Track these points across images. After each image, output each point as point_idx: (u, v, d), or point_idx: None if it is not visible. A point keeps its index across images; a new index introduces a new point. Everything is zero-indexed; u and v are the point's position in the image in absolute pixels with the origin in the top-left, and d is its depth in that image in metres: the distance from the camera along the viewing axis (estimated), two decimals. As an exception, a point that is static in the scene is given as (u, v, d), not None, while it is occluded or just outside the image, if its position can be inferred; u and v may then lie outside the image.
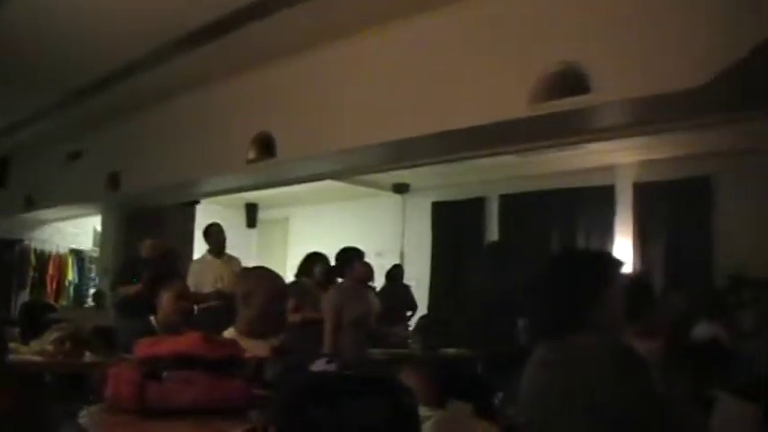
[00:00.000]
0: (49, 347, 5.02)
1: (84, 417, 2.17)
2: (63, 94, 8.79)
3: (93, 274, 13.62)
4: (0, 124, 10.61)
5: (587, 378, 2.25)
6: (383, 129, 6.40)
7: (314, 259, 7.93)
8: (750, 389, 3.86)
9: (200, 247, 9.54)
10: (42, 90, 8.70)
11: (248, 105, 7.71)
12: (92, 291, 12.70)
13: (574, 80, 4.97)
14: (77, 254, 13.92)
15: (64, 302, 13.29)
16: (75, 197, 10.87)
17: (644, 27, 4.76)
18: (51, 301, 12.60)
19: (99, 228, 12.22)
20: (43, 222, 13.35)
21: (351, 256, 6.95)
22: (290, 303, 6.43)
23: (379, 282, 9.19)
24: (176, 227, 10.42)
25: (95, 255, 13.21)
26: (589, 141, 7.45)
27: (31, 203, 11.66)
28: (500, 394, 5.18)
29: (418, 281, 11.63)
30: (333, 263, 7.37)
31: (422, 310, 10.62)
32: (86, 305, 12.70)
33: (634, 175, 10.07)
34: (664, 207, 9.85)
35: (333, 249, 7.57)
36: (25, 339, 5.48)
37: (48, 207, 11.78)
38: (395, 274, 10.53)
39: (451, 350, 7.70)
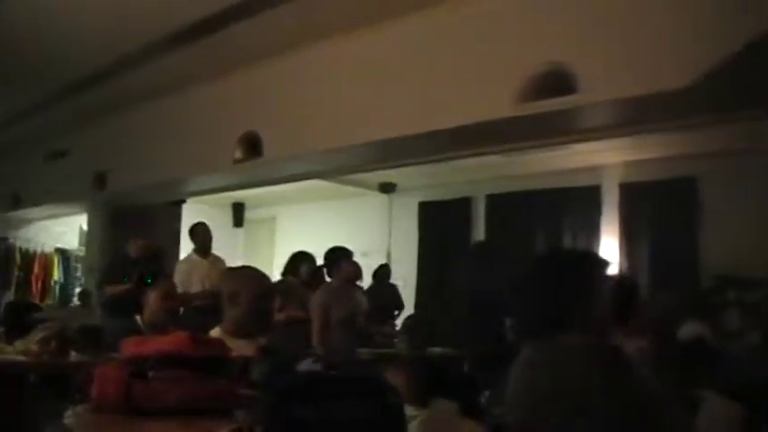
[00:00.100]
0: (35, 347, 4.99)
1: (70, 417, 2.17)
2: (49, 93, 8.75)
3: (78, 274, 13.56)
4: (-14, 122, 10.57)
5: (573, 378, 2.26)
6: (370, 128, 6.40)
7: (300, 258, 7.94)
8: (736, 389, 3.88)
9: (186, 247, 9.52)
10: (28, 88, 8.67)
11: (235, 105, 7.70)
12: (77, 290, 12.65)
13: (560, 80, 4.98)
14: (63, 253, 13.87)
15: (49, 302, 13.23)
16: (62, 196, 10.83)
17: (630, 28, 4.78)
18: (36, 301, 12.52)
19: (85, 226, 12.17)
20: (29, 221, 13.29)
21: (339, 255, 6.95)
22: (276, 302, 6.43)
23: (365, 281, 9.19)
24: (162, 226, 10.38)
25: (81, 254, 13.15)
26: (575, 142, 7.48)
27: (17, 202, 11.61)
28: (486, 393, 5.20)
29: (405, 280, 11.63)
30: (321, 262, 7.37)
31: (408, 309, 10.62)
32: (72, 304, 12.65)
33: (620, 176, 10.10)
34: (650, 207, 9.88)
35: (320, 249, 7.57)
36: (10, 339, 5.45)
37: (34, 205, 11.73)
38: (382, 273, 10.54)
39: (438, 349, 7.71)
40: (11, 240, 13.39)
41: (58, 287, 13.74)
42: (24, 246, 13.53)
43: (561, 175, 10.40)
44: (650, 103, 4.96)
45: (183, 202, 10.85)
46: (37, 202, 11.45)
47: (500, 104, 5.36)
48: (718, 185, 9.16)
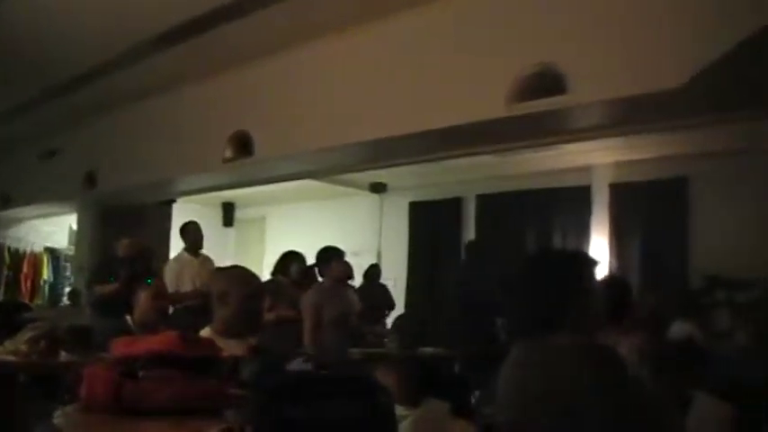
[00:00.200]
0: (24, 347, 4.98)
1: (60, 417, 2.16)
2: (39, 92, 8.72)
3: (68, 273, 13.52)
4: (-25, 122, 10.54)
5: (564, 378, 2.26)
6: (360, 128, 6.41)
7: (290, 258, 7.93)
8: (726, 389, 3.89)
9: (176, 246, 9.50)
10: (18, 88, 8.64)
11: (225, 104, 7.69)
12: (67, 289, 12.61)
13: (551, 81, 4.99)
14: (53, 252, 13.83)
15: (39, 302, 13.20)
16: (51, 195, 10.81)
17: (621, 29, 4.79)
18: (26, 301, 12.51)
19: (75, 226, 12.14)
20: (19, 220, 13.25)
21: (330, 255, 6.94)
22: (266, 302, 6.42)
23: (356, 281, 9.19)
24: (153, 225, 10.37)
25: (71, 253, 13.12)
26: (566, 142, 7.49)
27: (6, 201, 11.58)
28: (477, 393, 5.21)
29: (395, 280, 11.63)
30: (312, 262, 7.36)
31: (398, 309, 10.62)
32: (61, 304, 12.62)
33: (610, 176, 10.12)
34: (640, 208, 9.91)
35: (310, 248, 7.56)
36: (-1, 339, 5.44)
37: (23, 205, 11.70)
38: (372, 273, 10.54)
39: (429, 349, 7.72)
40: (0, 240, 13.34)
41: (47, 287, 13.70)
42: (14, 245, 13.49)
43: (552, 176, 10.41)
44: (640, 104, 4.97)
45: (174, 201, 10.83)
46: (26, 201, 11.43)
47: (491, 105, 5.36)
48: (708, 186, 9.20)
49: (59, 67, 7.81)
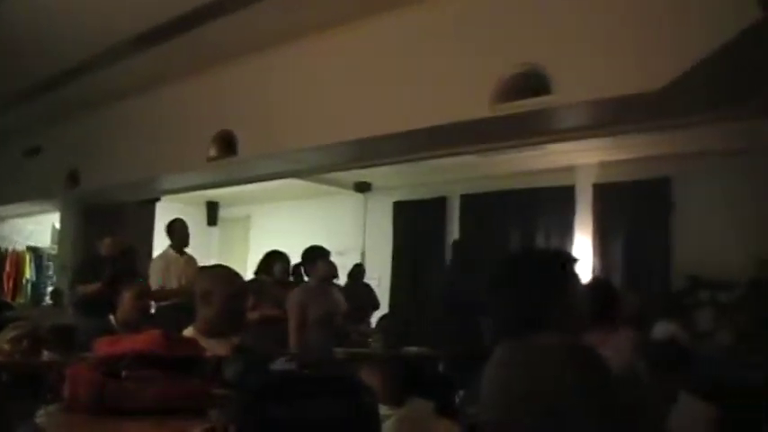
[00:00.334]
0: (6, 346, 4.96)
1: (42, 417, 2.15)
2: (22, 90, 8.68)
3: (51, 272, 13.46)
4: (-43, 120, 10.48)
5: (547, 378, 2.26)
6: (345, 127, 6.41)
7: (273, 257, 7.94)
8: (709, 389, 3.92)
9: (159, 245, 9.48)
10: (0, 85, 8.59)
11: (209, 103, 7.68)
12: (50, 289, 12.56)
13: (535, 81, 5.01)
14: (35, 251, 13.76)
15: (21, 301, 13.14)
16: (34, 194, 10.75)
17: (604, 30, 4.81)
18: (8, 300, 12.45)
19: (57, 225, 12.08)
20: (0, 219, 13.18)
21: (316, 254, 6.94)
22: (249, 301, 6.42)
23: (340, 281, 9.18)
24: (136, 224, 10.33)
25: (54, 252, 13.06)
26: (550, 142, 7.51)
27: (-12, 200, 11.53)
28: (461, 393, 5.21)
29: (379, 280, 11.64)
30: (296, 261, 7.35)
31: (382, 309, 10.62)
32: (44, 303, 12.56)
33: (594, 176, 10.14)
34: (623, 208, 9.93)
35: (294, 247, 7.56)
36: (-19, 338, 5.41)
37: (5, 203, 11.63)
38: (356, 273, 10.53)
39: (413, 349, 7.72)
40: (-18, 239, 13.30)
41: (29, 286, 13.63)
42: (-4, 244, 13.44)
43: (536, 176, 10.43)
44: (623, 105, 4.99)
45: (157, 200, 10.80)
46: (9, 199, 11.36)
47: (475, 105, 5.37)
48: (691, 186, 9.23)
49: (43, 65, 7.78)
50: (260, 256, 8.22)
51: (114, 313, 5.10)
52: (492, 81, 5.25)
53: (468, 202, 11.62)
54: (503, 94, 5.22)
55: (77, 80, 8.07)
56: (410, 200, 12.35)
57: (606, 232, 10.10)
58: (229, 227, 15.46)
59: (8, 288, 13.32)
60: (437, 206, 11.98)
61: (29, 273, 13.66)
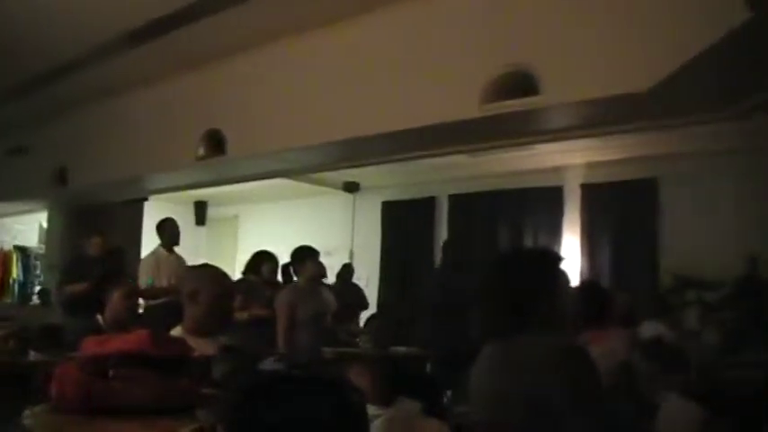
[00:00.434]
0: (-7, 346, 4.95)
1: (29, 417, 2.15)
2: (8, 89, 8.64)
3: (38, 272, 13.42)
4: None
5: (536, 378, 2.27)
6: (334, 127, 6.40)
7: (261, 257, 7.95)
8: (695, 389, 3.93)
9: (147, 245, 9.48)
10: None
11: (198, 102, 7.66)
12: (37, 288, 12.53)
13: (523, 82, 5.02)
14: (23, 251, 13.72)
15: (8, 300, 13.10)
16: (22, 193, 10.71)
17: (592, 31, 4.82)
18: (-5, 299, 12.43)
19: (45, 224, 12.04)
20: (-13, 218, 13.16)
21: (305, 254, 6.93)
22: (237, 301, 6.41)
23: (329, 281, 9.18)
24: (124, 224, 10.31)
25: (41, 252, 13.02)
26: (538, 142, 7.54)
27: (-25, 199, 11.47)
28: (449, 393, 5.21)
29: (368, 280, 11.64)
30: (287, 261, 7.35)
31: (371, 308, 10.62)
32: (31, 303, 12.53)
33: (582, 177, 10.18)
34: (611, 208, 9.97)
35: (282, 247, 7.56)
36: (-32, 338, 5.39)
37: (-8, 203, 11.60)
38: (345, 273, 10.53)
39: (402, 348, 7.73)
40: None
41: (17, 285, 13.59)
42: (-18, 243, 13.40)
43: (524, 176, 10.46)
44: (611, 106, 5.00)
45: (145, 199, 10.78)
46: (-4, 199, 11.32)
47: (464, 105, 5.38)
48: (678, 187, 9.27)
49: (30, 64, 7.75)
50: (248, 256, 8.23)
51: (102, 313, 5.09)
52: (480, 81, 5.26)
53: (457, 202, 11.64)
54: (491, 94, 5.22)
55: (65, 79, 8.04)
56: (399, 200, 12.37)
57: (594, 232, 10.13)
58: (217, 226, 15.44)
59: (-5, 287, 13.29)
60: (426, 206, 12.00)
61: (16, 272, 13.62)
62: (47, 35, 6.96)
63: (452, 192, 11.65)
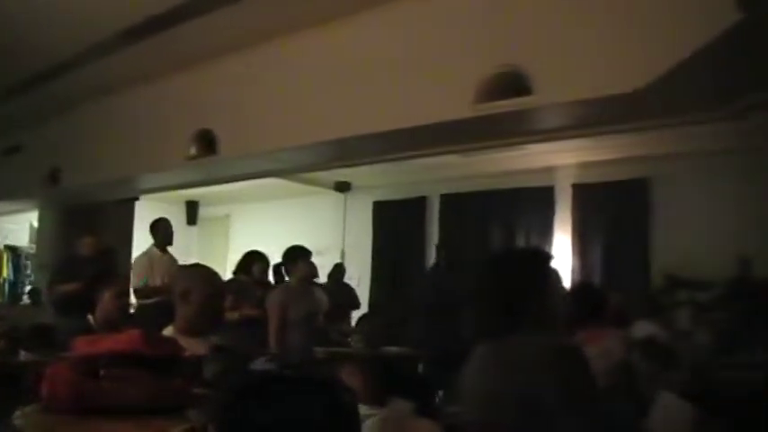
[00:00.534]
0: (-17, 346, 4.93)
1: (20, 417, 2.14)
2: (1, 89, 8.62)
3: (29, 271, 13.40)
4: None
5: (528, 377, 2.27)
6: (325, 127, 6.40)
7: (252, 257, 7.96)
8: (689, 389, 3.94)
9: (139, 244, 9.46)
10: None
11: (190, 102, 7.64)
12: (28, 288, 12.49)
13: (515, 82, 5.02)
14: (13, 250, 13.69)
15: (-1, 300, 13.08)
16: (12, 192, 10.67)
17: (585, 32, 4.82)
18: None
19: (36, 224, 12.02)
20: (-22, 218, 13.11)
21: (297, 254, 6.93)
22: (228, 301, 6.41)
23: (320, 281, 9.18)
24: (115, 224, 10.29)
25: (32, 251, 12.99)
26: (530, 142, 7.54)
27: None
28: (440, 393, 5.22)
29: (359, 279, 11.64)
30: (278, 261, 7.35)
31: (362, 308, 10.62)
32: (22, 303, 12.49)
33: (573, 177, 10.19)
34: (602, 208, 9.99)
35: (274, 247, 7.55)
36: (-42, 338, 5.38)
37: (-17, 202, 11.55)
38: (337, 273, 10.53)
39: (393, 348, 7.73)
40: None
41: (7, 285, 13.55)
42: (-27, 243, 13.36)
43: (515, 176, 10.47)
44: (603, 106, 5.00)
45: (136, 199, 10.76)
46: (-13, 198, 11.28)
47: (456, 105, 5.38)
48: (669, 187, 9.29)
49: (22, 64, 7.72)
50: (239, 256, 8.23)
51: (93, 313, 5.08)
52: (473, 81, 5.26)
53: (448, 201, 11.64)
54: (484, 94, 5.22)
55: (55, 79, 8.01)
56: (390, 200, 12.37)
57: (585, 232, 10.15)
58: (209, 226, 15.42)
59: (-14, 287, 13.26)
60: (417, 206, 12.00)
61: (6, 272, 13.59)
62: (37, 35, 6.94)
63: (444, 191, 11.66)
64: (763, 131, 6.87)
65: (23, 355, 5.05)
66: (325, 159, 7.85)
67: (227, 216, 15.05)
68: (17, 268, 13.67)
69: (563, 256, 9.75)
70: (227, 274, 7.91)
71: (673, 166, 9.10)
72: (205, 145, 7.38)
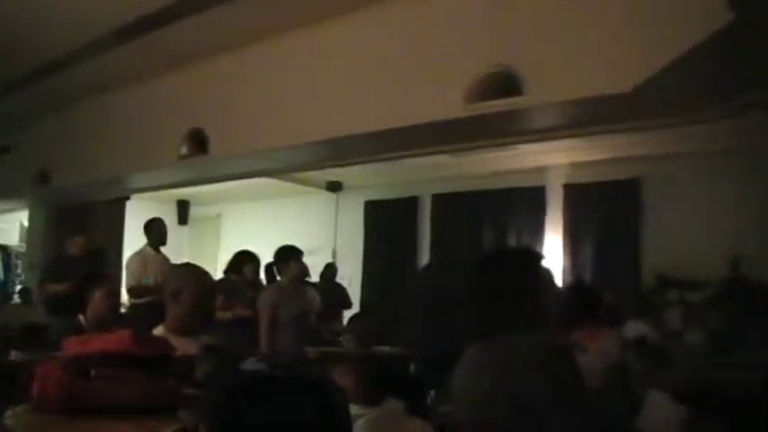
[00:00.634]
0: (-27, 346, 4.91)
1: (10, 417, 2.13)
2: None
3: (19, 271, 13.36)
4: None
5: (520, 377, 2.27)
6: (317, 126, 6.40)
7: (243, 257, 7.95)
8: (681, 389, 3.95)
9: (129, 244, 9.44)
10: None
11: (181, 101, 7.64)
12: (18, 287, 12.46)
13: (507, 82, 5.02)
14: (3, 249, 13.65)
15: (-12, 299, 13.04)
16: (3, 191, 10.64)
17: (576, 32, 4.83)
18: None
19: (26, 223, 11.98)
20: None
21: (289, 254, 6.93)
22: (220, 300, 6.40)
23: (311, 280, 9.17)
24: (106, 223, 10.27)
25: (22, 250, 12.95)
26: (522, 142, 7.55)
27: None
28: (432, 393, 5.22)
29: (350, 279, 11.64)
30: (270, 261, 7.35)
31: (354, 308, 10.62)
32: (12, 302, 12.45)
33: (565, 177, 10.21)
34: (593, 208, 10.00)
35: (265, 247, 7.55)
36: (-53, 337, 5.36)
37: (-27, 201, 11.52)
38: (328, 273, 10.53)
39: (386, 348, 7.73)
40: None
41: (-3, 284, 13.53)
42: (-37, 242, 13.32)
43: (507, 176, 10.48)
44: (595, 106, 5.02)
45: (127, 198, 10.74)
46: (-23, 198, 11.25)
47: (448, 105, 5.38)
48: (660, 187, 9.31)
49: (12, 64, 7.70)
50: (230, 256, 8.21)
51: (84, 313, 5.06)
52: (465, 81, 5.26)
53: (440, 201, 11.65)
54: (476, 94, 5.23)
55: (47, 78, 8.00)
56: (382, 199, 12.37)
57: (577, 232, 10.16)
58: (200, 225, 15.40)
59: (-25, 287, 13.22)
60: (409, 206, 12.01)
61: (-5, 271, 13.56)
62: (27, 35, 6.92)
63: (436, 191, 11.66)
64: (762, 130, 6.89)
65: (14, 355, 5.02)
66: (317, 159, 7.85)
67: (219, 216, 15.03)
68: (7, 267, 13.63)
69: (554, 257, 9.76)
70: (218, 273, 7.89)
71: (664, 167, 9.12)
72: (196, 144, 7.37)
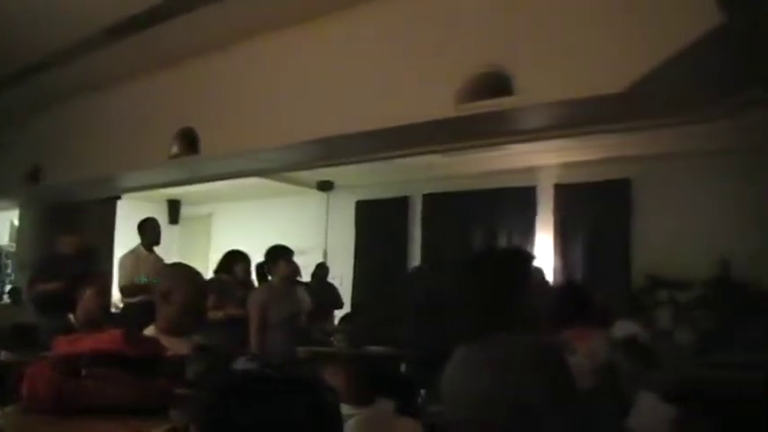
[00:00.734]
0: (-38, 345, 4.90)
1: (0, 418, 2.13)
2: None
3: (9, 270, 13.31)
4: None
5: (510, 376, 2.28)
6: (308, 126, 6.39)
7: (233, 257, 7.95)
8: (670, 389, 3.96)
9: (120, 243, 9.42)
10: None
11: (172, 100, 7.61)
12: (8, 287, 12.41)
13: (498, 82, 5.02)
14: (-7, 249, 13.62)
15: (-22, 299, 12.98)
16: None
17: (567, 32, 4.84)
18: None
19: (16, 222, 11.95)
20: (-42, 217, 13.02)
21: (279, 254, 6.92)
22: (211, 300, 6.40)
23: (303, 280, 9.18)
24: (97, 222, 10.25)
25: (12, 250, 12.91)
26: (513, 143, 7.55)
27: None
28: (423, 392, 5.22)
29: (341, 279, 11.64)
30: (261, 260, 7.34)
31: (345, 308, 10.63)
32: (2, 302, 12.41)
33: (555, 177, 10.24)
34: (584, 208, 10.02)
35: (256, 247, 7.53)
36: (-63, 337, 5.34)
37: (-38, 201, 11.47)
38: (320, 272, 10.53)
39: (376, 348, 7.73)
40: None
41: (-14, 284, 13.47)
42: (-48, 241, 13.27)
43: (498, 176, 10.50)
44: (585, 107, 5.02)
45: (118, 198, 10.72)
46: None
47: (439, 105, 5.38)
48: (650, 188, 9.34)
49: (2, 62, 7.67)
50: (221, 255, 8.21)
51: (74, 312, 5.05)
52: (456, 81, 5.26)
53: (431, 201, 11.67)
54: (466, 94, 5.23)
55: (38, 76, 7.97)
56: (373, 199, 12.38)
57: (567, 232, 10.19)
58: (191, 225, 15.38)
59: (-36, 286, 13.17)
60: (399, 205, 12.02)
61: (-15, 271, 13.51)
62: (17, 32, 6.90)
63: (427, 191, 11.68)
64: (762, 129, 6.91)
65: (4, 355, 5.02)
66: (308, 158, 7.84)
67: (210, 215, 15.02)
68: (-3, 267, 13.61)
69: (545, 256, 9.78)
70: (208, 273, 7.89)
71: (654, 167, 9.16)
72: (187, 144, 7.35)
